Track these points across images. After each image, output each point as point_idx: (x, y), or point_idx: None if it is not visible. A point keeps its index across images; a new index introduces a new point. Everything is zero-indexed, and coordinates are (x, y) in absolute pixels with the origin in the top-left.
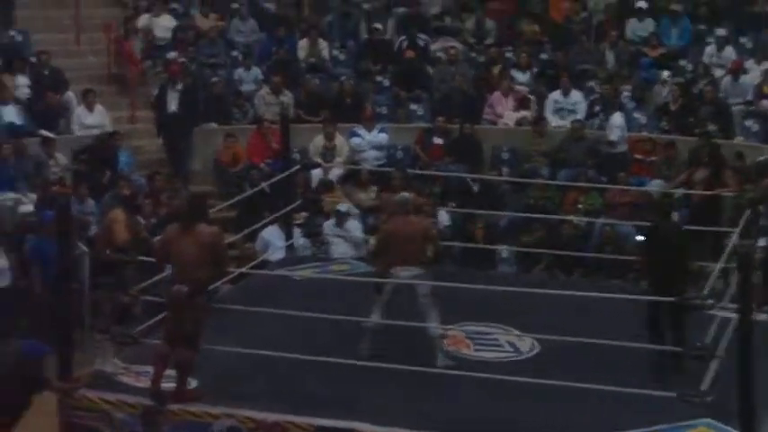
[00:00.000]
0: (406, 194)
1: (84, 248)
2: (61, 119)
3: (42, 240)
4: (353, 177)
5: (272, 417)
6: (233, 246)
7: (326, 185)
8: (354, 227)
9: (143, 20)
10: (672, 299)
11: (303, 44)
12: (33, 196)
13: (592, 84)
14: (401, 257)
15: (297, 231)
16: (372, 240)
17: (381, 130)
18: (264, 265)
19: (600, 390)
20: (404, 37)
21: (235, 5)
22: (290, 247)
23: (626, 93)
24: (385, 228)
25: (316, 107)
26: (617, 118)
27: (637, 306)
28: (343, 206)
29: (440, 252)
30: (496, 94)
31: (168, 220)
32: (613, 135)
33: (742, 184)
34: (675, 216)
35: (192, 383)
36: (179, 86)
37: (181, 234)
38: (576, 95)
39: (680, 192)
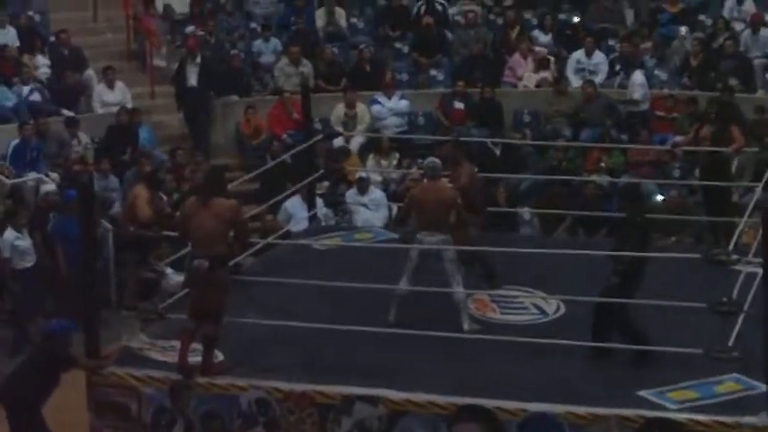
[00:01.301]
0: (435, 159)
1: (108, 226)
2: (82, 97)
3: (66, 219)
4: (375, 145)
5: (299, 387)
6: (255, 218)
7: (343, 152)
8: (378, 195)
9: None
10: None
11: (321, 13)
12: (56, 175)
13: (612, 42)
14: (426, 223)
15: (319, 201)
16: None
17: (402, 97)
18: (288, 236)
19: (626, 348)
20: (422, 2)
21: None
22: (313, 218)
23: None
24: (411, 193)
25: (335, 76)
26: (638, 76)
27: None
28: (362, 173)
29: (464, 220)
30: (516, 56)
31: (190, 195)
32: (636, 93)
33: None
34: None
35: (219, 356)
36: (198, 60)
37: (199, 208)
38: (598, 56)
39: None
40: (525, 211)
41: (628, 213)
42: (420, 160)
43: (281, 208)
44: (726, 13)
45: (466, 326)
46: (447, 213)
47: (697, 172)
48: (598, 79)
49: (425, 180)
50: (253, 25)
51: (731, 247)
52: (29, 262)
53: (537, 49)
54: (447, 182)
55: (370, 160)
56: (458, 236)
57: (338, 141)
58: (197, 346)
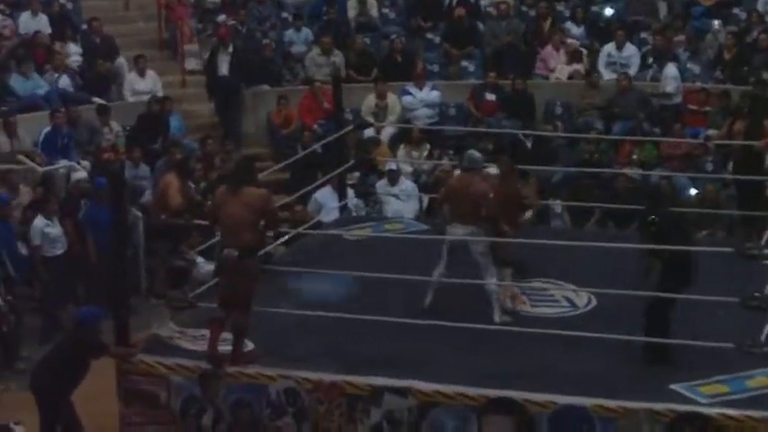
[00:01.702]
0: (476, 152)
1: (138, 214)
2: (113, 85)
3: (96, 207)
4: (406, 136)
5: (329, 377)
6: (285, 208)
7: (374, 142)
8: (408, 185)
9: None
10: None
11: (353, 3)
12: (87, 163)
13: (644, 35)
14: (457, 214)
15: (350, 192)
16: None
17: (433, 88)
18: (318, 226)
19: (657, 342)
20: None
21: None
22: (343, 208)
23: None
24: (447, 182)
25: (367, 66)
26: (671, 69)
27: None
28: (392, 164)
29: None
30: (548, 48)
31: (218, 184)
32: (669, 87)
33: None
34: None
35: (249, 346)
36: (229, 49)
37: (229, 197)
38: (629, 49)
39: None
40: (556, 204)
41: (643, 213)
42: (450, 151)
43: (312, 198)
44: (760, 7)
45: (497, 318)
46: (478, 206)
47: (730, 166)
48: (630, 72)
49: (461, 171)
50: (284, 15)
51: (764, 241)
52: (59, 249)
53: (569, 41)
54: (484, 175)
55: (401, 151)
56: (489, 230)
57: (369, 132)
58: (227, 335)
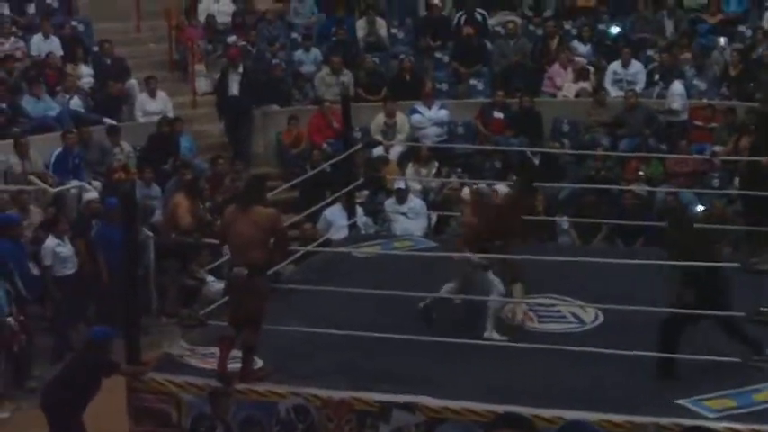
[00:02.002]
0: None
1: (149, 233)
2: (124, 106)
3: (107, 226)
4: (415, 154)
5: (338, 394)
6: (295, 226)
7: (382, 161)
8: (417, 203)
9: (203, 5)
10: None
11: (362, 23)
12: (98, 184)
13: (651, 53)
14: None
15: (359, 210)
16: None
17: (442, 107)
18: (327, 244)
19: (663, 357)
20: (462, 12)
21: None
22: (352, 226)
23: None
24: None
25: (376, 86)
26: (677, 86)
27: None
28: (401, 183)
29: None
30: (555, 66)
31: (225, 205)
32: (675, 104)
33: None
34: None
35: (258, 363)
36: (240, 70)
37: (238, 216)
38: (635, 66)
39: None
40: (564, 220)
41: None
42: (459, 169)
43: (321, 216)
44: (765, 24)
45: (486, 333)
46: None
47: (737, 182)
48: (636, 89)
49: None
50: (294, 35)
51: None
52: (70, 269)
53: (576, 59)
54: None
55: (410, 169)
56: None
57: (378, 150)
58: (237, 353)
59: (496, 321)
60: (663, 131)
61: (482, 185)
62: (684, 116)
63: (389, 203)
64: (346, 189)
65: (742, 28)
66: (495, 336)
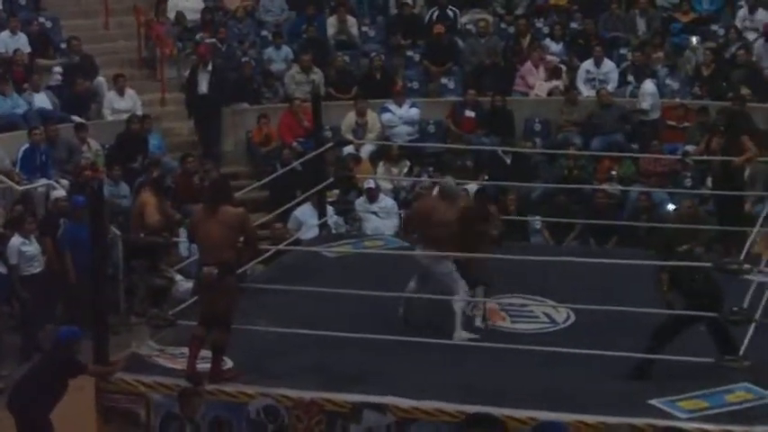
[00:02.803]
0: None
1: (117, 232)
2: (92, 104)
3: (75, 225)
4: (385, 153)
5: (308, 395)
6: (264, 226)
7: (354, 160)
8: (388, 202)
9: (172, 2)
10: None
11: (332, 21)
12: (65, 182)
13: (623, 51)
14: (422, 239)
15: (330, 209)
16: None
17: (413, 105)
18: (298, 243)
19: (636, 358)
20: (433, 10)
21: None
22: (323, 225)
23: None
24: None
25: (346, 84)
26: (648, 85)
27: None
28: (371, 182)
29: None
30: (527, 64)
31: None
32: (645, 103)
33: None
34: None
35: (228, 364)
36: (209, 68)
37: (206, 216)
38: (608, 65)
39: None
40: (536, 220)
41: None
42: (430, 168)
43: (292, 215)
44: (738, 23)
45: (456, 334)
46: (442, 233)
47: (709, 181)
48: (608, 88)
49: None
50: (264, 33)
51: (742, 256)
52: (36, 268)
53: (548, 57)
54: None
55: (381, 168)
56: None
57: (348, 149)
58: (206, 353)
59: (465, 320)
60: (635, 131)
61: (449, 181)
62: (656, 115)
63: (360, 202)
64: (317, 188)
65: (714, 27)
66: (464, 335)
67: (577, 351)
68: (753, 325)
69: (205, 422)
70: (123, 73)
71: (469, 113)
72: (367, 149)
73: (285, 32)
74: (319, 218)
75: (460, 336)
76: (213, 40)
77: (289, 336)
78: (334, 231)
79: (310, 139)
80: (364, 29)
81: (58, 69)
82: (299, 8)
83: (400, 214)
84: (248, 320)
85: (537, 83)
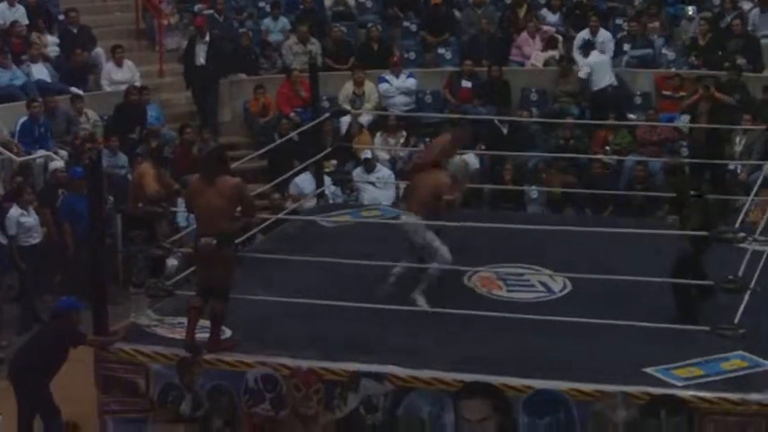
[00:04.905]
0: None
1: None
2: (90, 75)
3: (74, 196)
4: (383, 123)
5: (306, 364)
6: (262, 196)
7: (357, 129)
8: (385, 173)
9: None
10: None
11: None
12: (64, 153)
13: (619, 21)
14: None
15: (327, 179)
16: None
17: (410, 76)
18: (295, 213)
19: (632, 326)
20: None
21: None
22: (320, 195)
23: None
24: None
25: (343, 55)
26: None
27: (666, 242)
28: (368, 152)
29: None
30: (523, 35)
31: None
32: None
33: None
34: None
35: (226, 333)
36: (207, 39)
37: (203, 187)
38: (603, 35)
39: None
40: (532, 190)
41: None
42: (427, 138)
43: (292, 183)
44: None
45: (413, 294)
46: (426, 198)
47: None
48: (605, 57)
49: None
50: (261, 4)
51: (737, 224)
52: (35, 239)
53: (545, 27)
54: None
55: (378, 138)
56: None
57: (346, 119)
58: (205, 322)
59: (428, 288)
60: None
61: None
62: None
63: (358, 173)
64: (314, 158)
65: None
66: (421, 301)
67: (574, 320)
68: (748, 294)
69: (204, 391)
70: (121, 44)
71: (466, 84)
72: (364, 120)
73: (282, 3)
74: (317, 188)
75: (416, 298)
76: (211, 11)
77: (287, 305)
78: (331, 201)
79: (308, 109)
80: (361, 0)
81: (54, 40)
82: None
83: (397, 184)
84: (246, 290)
85: (533, 53)
